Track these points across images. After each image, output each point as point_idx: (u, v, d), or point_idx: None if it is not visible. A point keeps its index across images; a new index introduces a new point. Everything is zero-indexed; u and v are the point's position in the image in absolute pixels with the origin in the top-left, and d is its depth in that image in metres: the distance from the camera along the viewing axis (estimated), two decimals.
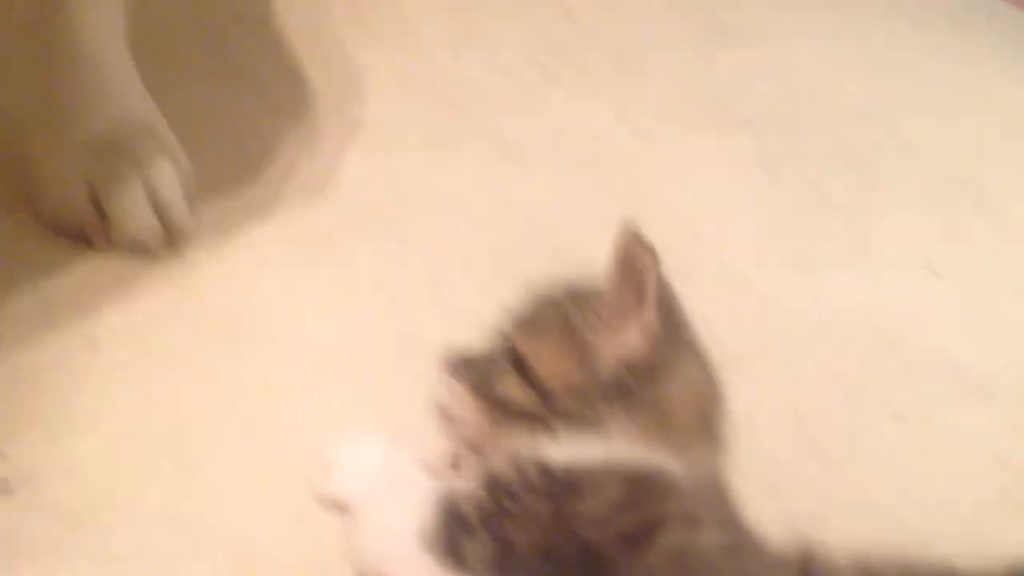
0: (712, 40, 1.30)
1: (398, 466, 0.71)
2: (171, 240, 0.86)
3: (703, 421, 0.66)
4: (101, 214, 0.84)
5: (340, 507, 0.71)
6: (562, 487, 0.61)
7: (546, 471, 0.62)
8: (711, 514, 0.62)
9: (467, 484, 0.64)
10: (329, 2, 1.22)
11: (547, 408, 0.65)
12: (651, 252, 0.65)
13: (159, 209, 0.85)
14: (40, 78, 0.85)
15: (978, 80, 1.33)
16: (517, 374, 0.67)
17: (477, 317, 0.75)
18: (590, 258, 0.95)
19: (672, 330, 0.67)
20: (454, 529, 0.62)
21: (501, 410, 0.67)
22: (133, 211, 0.84)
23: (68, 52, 0.83)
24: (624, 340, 0.65)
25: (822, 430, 0.86)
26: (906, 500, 0.81)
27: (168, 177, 0.86)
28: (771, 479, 0.81)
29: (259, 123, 1.03)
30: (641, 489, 0.60)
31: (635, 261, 0.65)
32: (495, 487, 0.63)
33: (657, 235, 0.98)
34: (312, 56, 1.13)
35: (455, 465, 0.70)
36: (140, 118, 0.87)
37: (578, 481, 0.61)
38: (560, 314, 0.68)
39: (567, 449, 0.63)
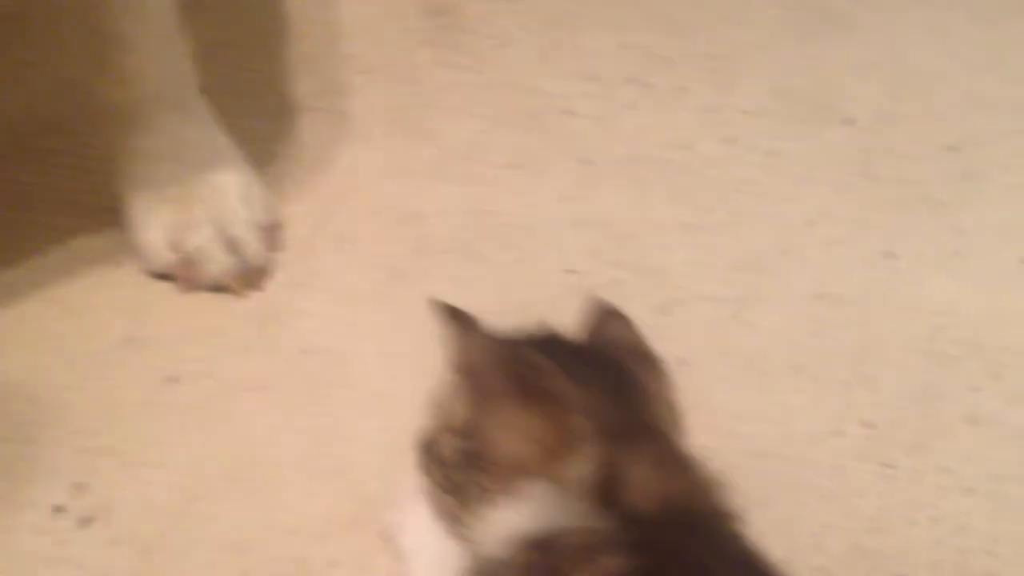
0: (814, 30, 1.25)
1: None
2: (248, 278, 0.91)
3: (552, 452, 0.64)
4: (182, 257, 0.90)
5: (399, 545, 0.73)
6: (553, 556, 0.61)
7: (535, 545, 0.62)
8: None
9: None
10: (413, 24, 1.22)
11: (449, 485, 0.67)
12: (451, 321, 0.68)
13: (234, 249, 0.90)
14: (117, 136, 0.91)
15: None
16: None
17: None
18: (661, 269, 0.97)
19: (484, 387, 0.66)
20: None
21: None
22: (208, 253, 0.90)
23: (133, 113, 0.89)
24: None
25: (890, 436, 0.84)
26: (974, 508, 0.80)
27: (242, 218, 0.91)
28: (831, 486, 0.81)
29: (340, 151, 1.06)
30: (588, 538, 0.60)
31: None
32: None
33: (736, 243, 0.99)
34: (396, 77, 1.15)
35: None
36: (214, 163, 0.92)
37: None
38: None
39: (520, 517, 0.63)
